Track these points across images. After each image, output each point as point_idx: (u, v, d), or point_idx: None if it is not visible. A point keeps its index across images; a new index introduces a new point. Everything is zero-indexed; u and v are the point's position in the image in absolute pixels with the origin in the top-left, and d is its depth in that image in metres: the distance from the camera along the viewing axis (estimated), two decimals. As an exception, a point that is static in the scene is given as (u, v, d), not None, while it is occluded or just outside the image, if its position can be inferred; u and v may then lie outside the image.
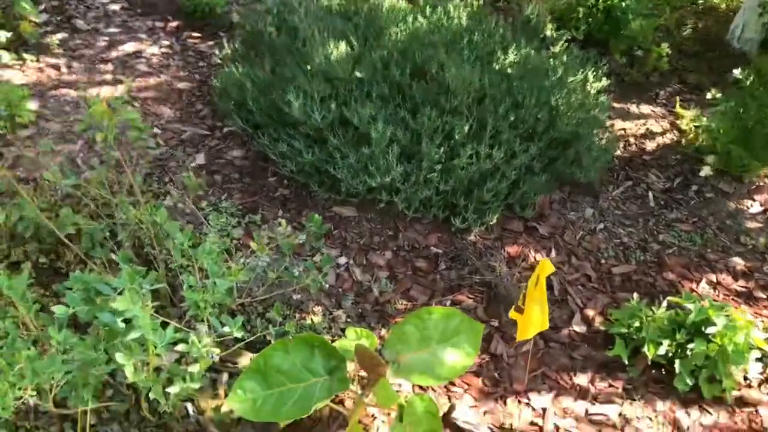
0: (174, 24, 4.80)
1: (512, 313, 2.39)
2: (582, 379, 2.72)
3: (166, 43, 4.57)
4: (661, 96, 4.73)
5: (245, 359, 2.45)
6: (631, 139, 4.24)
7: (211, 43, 4.65)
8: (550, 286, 3.07)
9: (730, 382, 2.62)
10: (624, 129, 4.33)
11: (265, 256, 2.65)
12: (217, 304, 2.10)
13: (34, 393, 1.77)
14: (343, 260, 3.09)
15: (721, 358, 2.61)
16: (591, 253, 3.34)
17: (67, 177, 2.52)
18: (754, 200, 3.82)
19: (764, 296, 3.21)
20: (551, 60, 3.82)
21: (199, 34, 4.73)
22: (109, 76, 4.09)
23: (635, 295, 2.95)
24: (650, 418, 2.59)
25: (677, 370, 2.64)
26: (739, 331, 2.61)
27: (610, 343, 2.83)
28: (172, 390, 1.89)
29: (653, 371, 2.75)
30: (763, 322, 3.01)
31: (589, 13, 4.88)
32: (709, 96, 4.32)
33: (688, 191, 3.85)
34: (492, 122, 3.27)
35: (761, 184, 3.91)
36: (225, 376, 2.41)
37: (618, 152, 4.07)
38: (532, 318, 2.31)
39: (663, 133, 4.31)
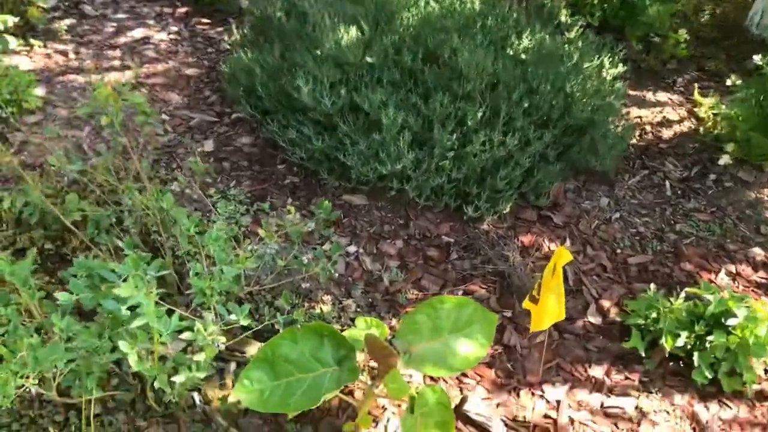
0: (182, 10, 4.74)
1: (526, 303, 2.32)
2: (597, 372, 2.65)
3: (175, 29, 4.51)
4: (678, 83, 4.63)
5: (253, 348, 2.40)
6: (648, 127, 4.15)
7: (220, 29, 4.59)
8: (564, 277, 3.00)
9: (751, 375, 2.55)
10: (640, 117, 4.24)
11: (274, 244, 2.60)
12: (225, 291, 2.05)
13: (36, 382, 1.73)
14: (352, 249, 3.03)
15: (741, 351, 2.53)
16: (606, 242, 3.27)
17: (73, 163, 2.48)
18: (774, 190, 3.73)
19: (785, 288, 3.13)
20: (566, 46, 3.73)
21: (207, 20, 4.67)
22: (117, 62, 4.04)
23: (652, 285, 2.88)
24: (668, 412, 2.52)
25: (696, 363, 2.57)
26: (760, 323, 2.53)
27: (626, 334, 2.76)
28: (178, 379, 1.85)
29: (671, 364, 2.67)
30: (784, 314, 2.93)
31: (604, -2, 4.78)
32: (728, 83, 4.21)
33: (706, 180, 3.76)
34: (506, 108, 3.19)
35: (782, 173, 3.82)
36: (233, 366, 2.37)
37: (634, 140, 3.98)
38: (548, 308, 2.24)
39: (680, 121, 4.22)
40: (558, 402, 2.52)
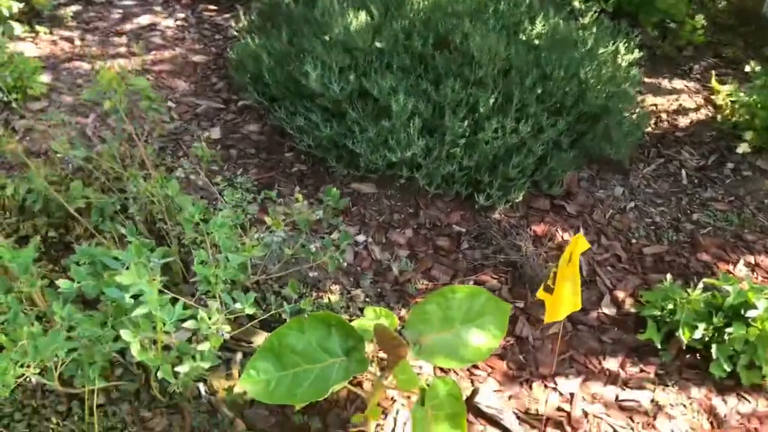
0: (189, -4, 4.68)
1: (541, 293, 2.25)
2: (612, 364, 2.59)
3: (182, 15, 4.46)
4: (695, 70, 4.53)
5: (259, 338, 2.35)
6: (663, 115, 4.06)
7: (227, 15, 4.53)
8: (578, 267, 2.93)
9: (771, 368, 2.48)
10: (655, 104, 4.15)
11: (281, 232, 2.54)
12: (230, 280, 1.99)
13: (37, 371, 1.68)
14: (361, 238, 2.97)
15: (761, 343, 2.46)
16: (621, 232, 3.19)
17: (77, 149, 2.44)
18: (794, 179, 3.63)
19: (805, 279, 3.04)
20: (580, 31, 3.64)
21: (215, 7, 4.61)
22: (123, 49, 3.99)
23: (668, 276, 2.81)
24: (684, 405, 2.45)
25: (714, 356, 2.50)
26: (781, 315, 2.46)
27: (641, 326, 2.69)
28: (182, 369, 1.80)
29: (687, 356, 2.61)
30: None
31: (619, -17, 4.67)
32: (747, 69, 4.11)
33: (723, 169, 3.67)
34: (518, 95, 3.11)
35: (802, 161, 3.73)
36: (239, 356, 2.32)
37: (649, 128, 3.90)
38: (563, 298, 2.17)
39: (697, 109, 4.12)
40: (571, 395, 2.46)
